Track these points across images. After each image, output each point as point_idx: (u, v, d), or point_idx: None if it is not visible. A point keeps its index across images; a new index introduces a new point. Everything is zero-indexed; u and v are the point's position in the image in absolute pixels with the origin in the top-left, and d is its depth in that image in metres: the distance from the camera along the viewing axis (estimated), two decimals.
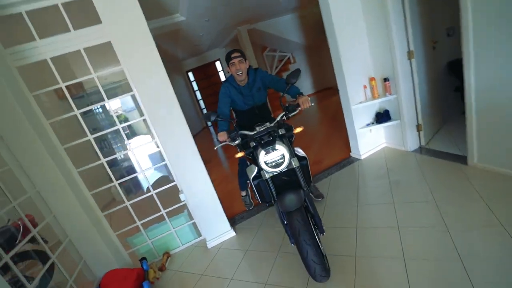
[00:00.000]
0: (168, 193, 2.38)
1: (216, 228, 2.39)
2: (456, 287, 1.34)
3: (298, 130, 1.77)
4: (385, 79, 2.79)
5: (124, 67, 1.98)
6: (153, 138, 2.18)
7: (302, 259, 1.51)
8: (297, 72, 1.71)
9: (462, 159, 2.40)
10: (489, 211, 1.73)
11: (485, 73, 1.96)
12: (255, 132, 1.67)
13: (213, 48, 8.21)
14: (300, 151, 1.77)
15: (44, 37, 1.84)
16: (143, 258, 2.24)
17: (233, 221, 2.62)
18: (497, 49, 1.83)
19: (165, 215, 2.37)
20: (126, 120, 4.38)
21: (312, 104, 1.80)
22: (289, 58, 7.75)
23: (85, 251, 2.07)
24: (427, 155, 2.73)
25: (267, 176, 1.63)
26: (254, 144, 1.68)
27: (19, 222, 1.85)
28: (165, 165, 2.29)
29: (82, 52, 1.94)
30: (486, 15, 1.81)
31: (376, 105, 3.05)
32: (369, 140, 3.13)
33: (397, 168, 2.64)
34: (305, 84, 8.21)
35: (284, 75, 7.31)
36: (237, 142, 1.78)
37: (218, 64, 8.97)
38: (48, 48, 1.87)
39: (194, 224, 2.51)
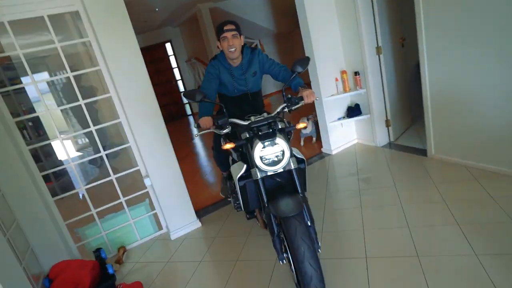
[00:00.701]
0: (125, 181, 2.81)
1: (182, 218, 2.87)
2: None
3: (301, 125, 1.89)
4: (356, 73, 3.60)
5: (93, 40, 2.41)
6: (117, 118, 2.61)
7: (297, 265, 1.52)
8: (306, 60, 1.82)
9: (423, 152, 3.26)
10: (438, 193, 2.53)
11: (438, 73, 2.82)
12: (251, 121, 1.75)
13: (163, 27, 8.61)
14: (298, 152, 1.87)
15: None
16: (99, 249, 2.61)
17: (198, 214, 3.11)
18: (447, 54, 2.69)
19: (124, 203, 2.78)
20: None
21: (318, 98, 1.91)
22: (256, 45, 8.50)
23: (33, 238, 2.38)
24: (395, 149, 3.58)
25: (259, 175, 1.71)
26: (248, 136, 1.76)
27: None
28: (128, 147, 2.72)
29: (46, 19, 2.32)
30: (436, 19, 2.66)
31: (347, 98, 3.85)
32: (340, 135, 3.91)
33: (366, 164, 3.43)
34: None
35: None
36: (226, 131, 1.86)
37: (168, 46, 9.34)
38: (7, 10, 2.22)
39: (155, 215, 2.95)
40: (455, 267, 1.75)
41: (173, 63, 9.55)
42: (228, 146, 1.83)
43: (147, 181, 2.73)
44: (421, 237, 2.06)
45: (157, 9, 5.80)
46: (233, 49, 2.10)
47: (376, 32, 3.41)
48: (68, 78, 2.48)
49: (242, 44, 2.20)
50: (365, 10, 3.30)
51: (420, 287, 1.66)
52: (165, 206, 2.81)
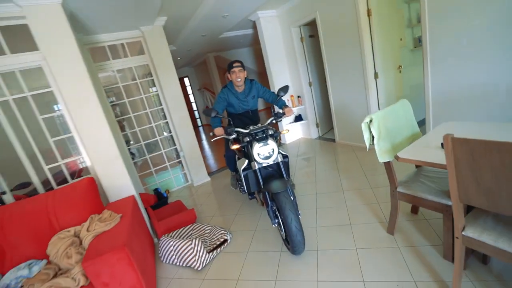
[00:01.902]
0: (169, 154, 4.07)
1: (200, 175, 4.14)
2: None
3: (284, 132, 2.26)
4: (298, 96, 4.98)
5: (156, 77, 3.72)
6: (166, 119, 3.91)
7: (286, 227, 1.77)
8: (286, 88, 2.14)
9: (333, 140, 4.61)
10: (335, 160, 3.84)
11: (336, 97, 4.20)
12: (251, 129, 2.03)
13: (184, 67, 9.99)
14: (283, 150, 2.14)
15: None
16: (156, 188, 3.85)
17: (208, 174, 4.37)
18: (338, 86, 4.07)
19: (168, 166, 4.05)
20: None
21: (294, 113, 2.37)
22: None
23: None
24: (322, 140, 4.92)
25: (257, 166, 1.97)
26: (248, 140, 2.01)
27: None
28: (171, 136, 4.01)
29: (134, 70, 3.63)
30: (332, 69, 4.06)
31: (295, 111, 5.20)
32: (291, 133, 5.25)
33: (305, 147, 4.75)
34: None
35: None
36: (233, 136, 2.13)
37: (186, 79, 10.72)
38: None
39: (184, 174, 4.22)
40: (327, 192, 3.08)
41: (189, 91, 10.92)
42: (235, 146, 2.13)
43: (181, 153, 4.01)
44: (321, 175, 3.39)
45: (179, 58, 7.13)
46: (239, 80, 2.41)
47: (308, 74, 4.81)
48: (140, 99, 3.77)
49: (245, 76, 2.50)
50: (301, 61, 4.70)
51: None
52: (191, 168, 4.08)
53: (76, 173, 2.87)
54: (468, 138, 1.06)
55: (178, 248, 2.17)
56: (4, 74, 2.26)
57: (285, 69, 5.02)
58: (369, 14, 3.33)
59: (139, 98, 3.83)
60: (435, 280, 1.54)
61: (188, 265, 2.16)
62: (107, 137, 2.45)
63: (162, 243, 2.32)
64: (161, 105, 3.90)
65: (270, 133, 2.05)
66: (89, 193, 2.15)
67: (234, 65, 2.39)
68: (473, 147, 1.05)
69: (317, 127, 5.10)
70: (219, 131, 2.26)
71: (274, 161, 2.00)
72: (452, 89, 2.62)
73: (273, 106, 2.46)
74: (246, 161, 2.08)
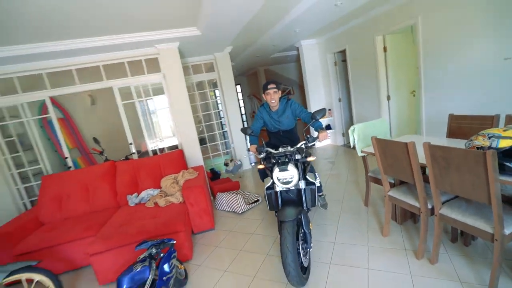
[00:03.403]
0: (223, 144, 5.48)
1: (244, 163, 5.46)
2: None
3: (311, 159, 2.06)
4: (329, 109, 6.03)
5: (221, 90, 5.17)
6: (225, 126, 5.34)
7: (282, 261, 1.74)
8: (322, 111, 2.03)
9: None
10: (356, 161, 4.83)
11: (357, 109, 5.16)
12: (273, 152, 2.06)
13: (237, 76, 11.62)
14: (312, 177, 2.12)
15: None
16: (212, 168, 5.26)
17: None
18: (358, 98, 5.04)
19: (221, 153, 5.46)
20: None
21: (329, 137, 2.60)
22: (289, 90, 11.11)
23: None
24: (346, 147, 5.87)
25: (277, 189, 2.01)
26: (273, 161, 2.04)
27: None
28: (224, 132, 5.41)
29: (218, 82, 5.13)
30: (356, 86, 5.05)
31: (325, 121, 6.25)
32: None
33: (331, 152, 5.76)
34: None
35: None
36: (262, 156, 2.14)
37: (238, 87, 12.36)
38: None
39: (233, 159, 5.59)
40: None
41: (240, 96, 12.54)
42: (260, 166, 2.22)
43: (232, 145, 5.39)
44: (339, 184, 4.44)
45: (235, 70, 8.67)
46: (273, 101, 2.46)
47: (338, 91, 5.84)
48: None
49: (280, 95, 2.51)
50: (333, 81, 5.77)
51: None
52: (238, 155, 5.43)
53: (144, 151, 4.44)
54: (381, 139, 2.12)
55: (228, 198, 3.49)
56: (142, 86, 3.87)
57: (320, 86, 6.12)
58: (385, 50, 4.30)
59: (205, 103, 5.31)
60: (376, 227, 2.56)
61: (233, 210, 3.44)
62: (191, 127, 3.91)
63: (218, 196, 3.66)
64: (219, 108, 5.34)
65: (297, 157, 2.05)
66: (180, 158, 3.58)
67: (268, 87, 2.42)
68: (383, 144, 2.12)
69: (343, 136, 6.07)
70: (252, 148, 2.38)
71: (295, 186, 2.01)
72: (440, 112, 3.47)
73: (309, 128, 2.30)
74: (271, 180, 2.09)
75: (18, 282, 2.01)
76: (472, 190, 1.56)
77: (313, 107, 6.13)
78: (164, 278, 1.93)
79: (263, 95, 2.51)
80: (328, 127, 6.18)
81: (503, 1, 2.58)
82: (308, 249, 2.02)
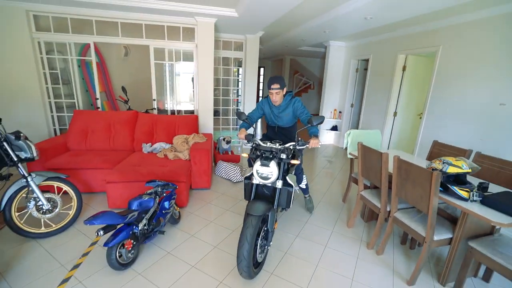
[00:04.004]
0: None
1: None
2: None
3: (294, 162, 2.01)
4: (340, 111, 6.31)
5: (244, 68, 5.50)
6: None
7: (237, 249, 1.76)
8: (320, 118, 2.02)
9: None
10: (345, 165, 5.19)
11: (365, 117, 5.45)
12: (261, 145, 2.06)
13: (262, 59, 11.80)
14: (291, 180, 2.13)
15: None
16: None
17: None
18: (368, 108, 5.32)
19: (231, 128, 5.88)
20: None
21: (320, 145, 2.16)
22: (310, 84, 11.29)
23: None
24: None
25: (254, 181, 2.03)
26: (258, 154, 2.06)
27: None
28: (238, 109, 5.79)
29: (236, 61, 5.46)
30: (369, 96, 5.31)
31: (333, 122, 6.55)
32: (325, 138, 6.62)
33: (331, 152, 6.11)
34: (312, 103, 11.72)
35: (303, 95, 10.84)
36: (249, 144, 2.15)
37: (262, 69, 12.57)
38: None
39: None
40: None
41: (261, 79, 12.78)
42: (244, 155, 2.20)
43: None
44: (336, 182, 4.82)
45: (262, 54, 8.90)
46: (275, 100, 2.43)
47: (353, 96, 6.09)
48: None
49: (284, 93, 2.45)
50: (350, 86, 6.01)
51: None
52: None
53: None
54: (365, 145, 2.48)
55: (227, 167, 3.94)
56: (175, 50, 4.25)
57: (337, 88, 6.37)
58: (403, 69, 4.53)
59: (226, 78, 5.67)
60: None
61: (229, 178, 3.90)
62: (209, 96, 4.31)
63: (219, 164, 4.11)
64: (238, 86, 5.69)
65: (282, 156, 2.01)
66: (194, 123, 4.01)
67: (272, 86, 2.34)
68: (366, 150, 2.48)
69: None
70: (241, 132, 2.33)
71: (272, 184, 2.02)
72: (434, 137, 3.76)
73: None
74: (252, 171, 2.07)
75: (47, 190, 2.52)
76: (419, 201, 1.94)
77: (325, 106, 6.42)
78: (163, 211, 2.42)
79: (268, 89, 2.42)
80: (335, 128, 6.49)
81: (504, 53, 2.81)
82: (266, 247, 2.05)
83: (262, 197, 2.09)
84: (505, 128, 2.86)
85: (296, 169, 2.76)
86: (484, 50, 3.07)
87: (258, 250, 1.92)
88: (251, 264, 1.80)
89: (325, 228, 2.79)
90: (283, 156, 2.00)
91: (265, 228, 1.99)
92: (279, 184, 2.01)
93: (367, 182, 2.88)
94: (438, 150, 2.84)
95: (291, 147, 2.09)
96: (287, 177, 2.11)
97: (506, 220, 1.56)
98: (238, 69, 5.92)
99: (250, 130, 5.01)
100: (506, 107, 2.85)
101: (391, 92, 4.65)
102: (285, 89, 2.43)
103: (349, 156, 3.16)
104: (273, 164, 1.92)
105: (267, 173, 1.94)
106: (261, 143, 2.11)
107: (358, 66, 5.87)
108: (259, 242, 1.90)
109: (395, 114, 4.75)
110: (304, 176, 2.88)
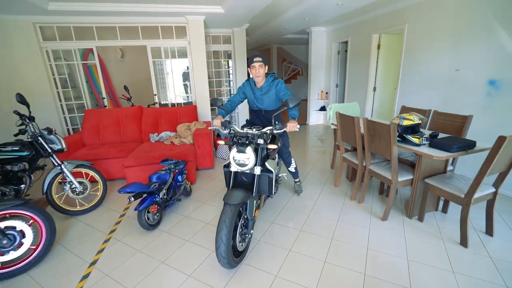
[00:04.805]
0: None
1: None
2: None
3: (271, 146, 1.95)
4: (326, 92, 6.74)
5: (233, 59, 5.88)
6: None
7: (216, 235, 1.68)
8: (297, 100, 1.93)
9: None
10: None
11: (349, 95, 5.89)
12: (236, 132, 1.96)
13: (250, 50, 12.10)
14: (271, 165, 2.06)
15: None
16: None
17: None
18: (351, 86, 5.76)
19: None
20: None
21: (298, 129, 2.01)
22: (299, 70, 11.65)
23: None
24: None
25: (232, 169, 1.96)
26: (235, 140, 1.95)
27: None
28: None
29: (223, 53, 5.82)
30: (351, 76, 5.74)
31: (321, 103, 6.98)
32: (314, 118, 7.07)
33: (322, 131, 6.56)
34: (303, 90, 12.12)
35: (293, 82, 11.22)
36: (225, 131, 2.05)
37: None
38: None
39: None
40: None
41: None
42: (221, 142, 2.21)
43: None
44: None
45: (250, 45, 9.23)
46: (258, 75, 2.29)
47: (337, 78, 6.51)
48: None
49: (266, 71, 2.34)
50: (334, 68, 6.43)
51: None
52: (240, 120, 6.24)
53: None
54: (342, 113, 2.92)
55: (226, 150, 4.37)
56: (170, 48, 4.61)
57: (322, 71, 6.78)
58: (378, 47, 4.94)
59: (218, 71, 6.04)
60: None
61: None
62: (205, 87, 4.71)
63: (219, 147, 4.55)
64: (230, 77, 6.08)
65: (259, 141, 1.93)
66: (193, 112, 4.42)
67: (254, 59, 2.25)
68: (342, 118, 2.92)
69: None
70: (217, 120, 2.18)
71: (249, 171, 1.96)
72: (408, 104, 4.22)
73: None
74: (230, 159, 1.96)
75: (72, 177, 2.95)
76: (385, 151, 2.40)
77: (313, 89, 6.84)
78: (178, 183, 2.86)
79: (248, 69, 2.33)
80: (323, 108, 6.93)
81: (464, 25, 3.23)
82: (247, 235, 1.95)
83: (241, 185, 2.03)
84: (461, 89, 3.32)
85: (283, 153, 2.76)
86: (443, 25, 3.49)
87: (238, 239, 1.86)
88: (230, 251, 1.72)
89: (315, 188, 3.26)
90: (261, 141, 1.93)
91: (245, 216, 1.93)
92: (257, 170, 1.94)
93: (348, 146, 3.33)
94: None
95: (268, 131, 2.02)
96: (266, 163, 2.06)
97: (444, 154, 2.03)
98: (228, 61, 6.28)
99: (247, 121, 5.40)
100: (460, 72, 3.30)
101: (369, 70, 5.08)
102: (266, 67, 2.35)
103: (332, 126, 3.60)
104: (249, 150, 1.84)
105: (243, 159, 1.86)
106: (237, 128, 2.04)
107: (339, 49, 6.27)
108: (238, 230, 1.84)
109: (374, 89, 5.19)
110: (292, 159, 2.88)
